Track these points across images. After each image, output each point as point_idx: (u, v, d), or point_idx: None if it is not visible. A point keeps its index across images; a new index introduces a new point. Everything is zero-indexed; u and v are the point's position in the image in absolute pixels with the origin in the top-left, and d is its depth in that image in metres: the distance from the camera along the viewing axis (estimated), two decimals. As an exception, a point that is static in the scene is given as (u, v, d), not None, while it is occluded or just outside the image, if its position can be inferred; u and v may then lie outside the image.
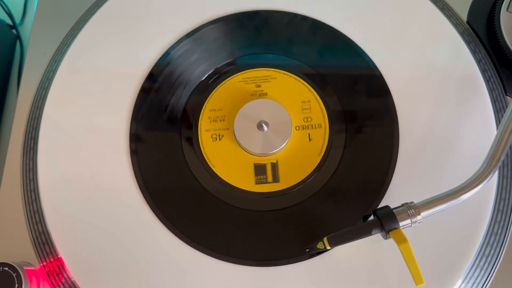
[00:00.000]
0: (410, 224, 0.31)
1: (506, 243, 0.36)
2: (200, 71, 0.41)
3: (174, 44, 0.41)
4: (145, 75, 0.41)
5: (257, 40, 0.42)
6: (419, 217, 0.31)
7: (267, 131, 0.37)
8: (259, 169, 0.37)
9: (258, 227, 0.36)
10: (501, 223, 0.36)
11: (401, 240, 0.30)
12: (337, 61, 0.41)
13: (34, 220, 0.37)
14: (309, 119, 0.39)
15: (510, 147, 0.33)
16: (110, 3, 0.43)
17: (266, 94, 0.40)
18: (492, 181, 0.36)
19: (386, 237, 0.31)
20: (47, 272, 0.36)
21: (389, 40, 0.41)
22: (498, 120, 0.38)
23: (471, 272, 0.34)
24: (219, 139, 0.39)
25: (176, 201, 0.37)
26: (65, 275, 0.35)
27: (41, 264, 0.36)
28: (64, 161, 0.38)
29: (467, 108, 0.38)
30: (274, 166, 0.38)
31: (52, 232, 0.36)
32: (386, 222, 0.31)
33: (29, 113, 0.41)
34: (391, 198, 0.36)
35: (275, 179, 0.37)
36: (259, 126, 0.37)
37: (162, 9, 0.43)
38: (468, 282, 0.34)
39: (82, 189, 0.37)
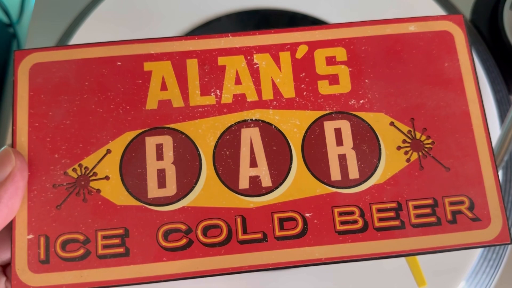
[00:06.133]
0: (412, 226, 0.31)
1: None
2: (199, 70, 0.40)
3: (173, 43, 0.41)
4: (143, 75, 0.40)
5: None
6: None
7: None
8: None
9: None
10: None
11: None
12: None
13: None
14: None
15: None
16: (107, 2, 0.43)
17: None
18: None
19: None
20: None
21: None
22: (501, 120, 0.38)
23: (474, 274, 0.34)
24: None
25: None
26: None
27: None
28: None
29: (469, 107, 0.38)
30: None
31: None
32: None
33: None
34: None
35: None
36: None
37: (160, 8, 0.42)
38: (471, 284, 0.34)
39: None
